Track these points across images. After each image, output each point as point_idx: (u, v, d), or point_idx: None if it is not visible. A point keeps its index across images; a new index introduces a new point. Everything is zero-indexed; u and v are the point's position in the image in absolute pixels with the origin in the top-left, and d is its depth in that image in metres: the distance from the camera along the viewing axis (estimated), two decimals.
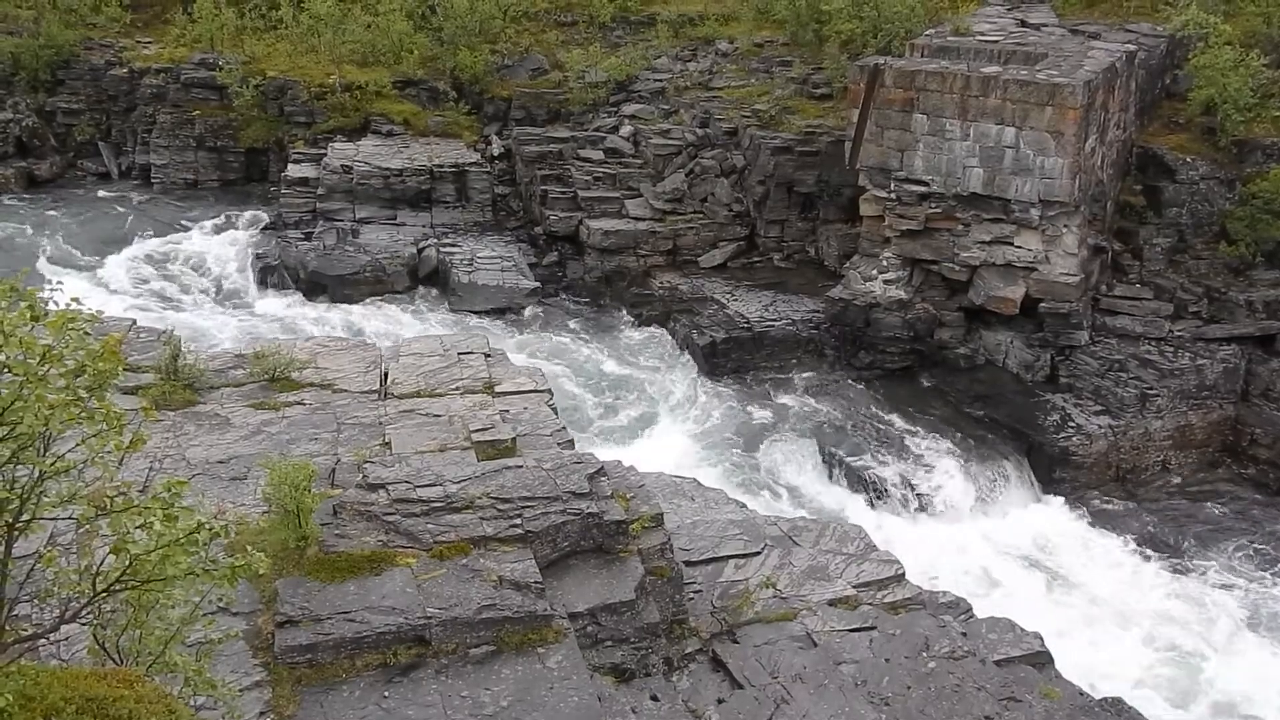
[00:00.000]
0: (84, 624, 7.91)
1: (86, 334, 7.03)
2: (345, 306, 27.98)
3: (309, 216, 30.45)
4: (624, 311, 28.27)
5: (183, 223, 31.45)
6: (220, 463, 13.37)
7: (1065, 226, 24.47)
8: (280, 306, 28.04)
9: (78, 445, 7.07)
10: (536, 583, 11.35)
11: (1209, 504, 23.12)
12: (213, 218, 31.71)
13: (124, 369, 14.33)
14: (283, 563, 11.17)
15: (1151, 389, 24.07)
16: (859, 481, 22.24)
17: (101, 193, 34.02)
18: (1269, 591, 20.67)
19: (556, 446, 13.86)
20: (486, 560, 11.51)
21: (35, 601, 8.56)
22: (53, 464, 7.00)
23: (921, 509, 21.93)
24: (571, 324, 27.85)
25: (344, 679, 10.37)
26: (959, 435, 23.51)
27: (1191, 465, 24.19)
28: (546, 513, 12.14)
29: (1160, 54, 28.58)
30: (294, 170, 31.33)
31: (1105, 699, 13.62)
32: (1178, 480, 23.87)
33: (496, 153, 33.17)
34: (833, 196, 29.05)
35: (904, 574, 14.87)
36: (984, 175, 24.52)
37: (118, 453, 7.07)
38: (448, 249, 29.46)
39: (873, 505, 21.88)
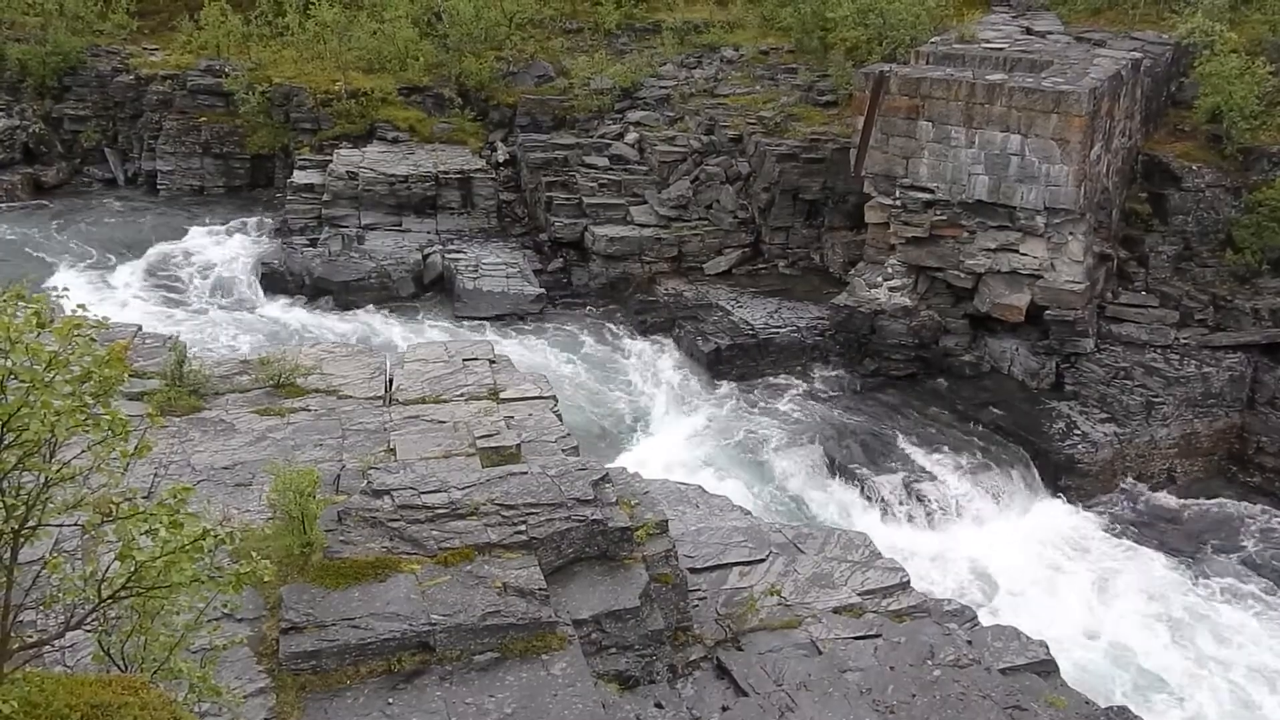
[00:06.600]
0: (89, 631, 7.92)
1: (92, 340, 7.04)
2: (350, 313, 28.01)
3: (314, 223, 30.45)
4: (629, 318, 28.26)
5: (188, 229, 31.47)
6: (225, 469, 13.37)
7: (1070, 234, 24.46)
8: (285, 313, 28.06)
9: (83, 451, 7.09)
10: (541, 589, 11.33)
11: (1215, 512, 23.05)
12: (218, 224, 31.75)
13: (130, 375, 14.47)
14: (287, 569, 11.17)
15: (1157, 397, 24.04)
16: (864, 488, 22.20)
17: (107, 199, 34.07)
18: (1276, 600, 20.62)
19: (561, 453, 13.86)
20: (491, 567, 11.50)
21: (41, 608, 8.56)
22: (58, 470, 7.01)
23: (926, 516, 21.87)
24: (576, 330, 27.85)
25: (348, 686, 10.37)
26: (964, 443, 23.47)
27: (1197, 473, 24.13)
28: (551, 519, 12.13)
29: (1166, 62, 28.58)
30: (299, 177, 31.34)
31: (1111, 708, 13.60)
32: (1184, 488, 23.80)
33: (501, 159, 33.20)
34: (838, 204, 29.08)
35: (909, 581, 14.87)
36: (989, 183, 24.52)
37: (123, 459, 7.08)
38: (453, 255, 29.47)
39: (877, 512, 21.84)
